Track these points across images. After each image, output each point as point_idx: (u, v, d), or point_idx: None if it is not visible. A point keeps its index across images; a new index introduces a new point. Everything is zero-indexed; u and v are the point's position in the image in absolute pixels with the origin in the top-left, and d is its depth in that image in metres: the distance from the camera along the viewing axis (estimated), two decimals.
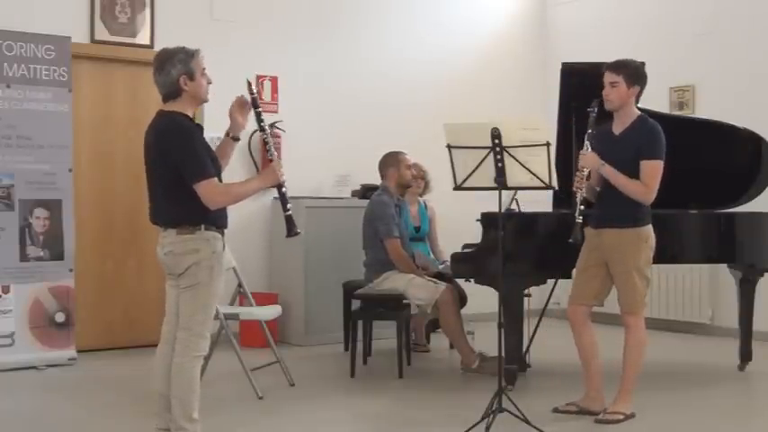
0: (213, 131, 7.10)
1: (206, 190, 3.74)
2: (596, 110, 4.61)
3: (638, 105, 4.77)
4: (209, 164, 3.82)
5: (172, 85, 3.86)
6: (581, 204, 4.52)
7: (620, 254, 4.60)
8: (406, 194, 6.62)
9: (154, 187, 3.90)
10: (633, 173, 4.55)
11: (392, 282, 5.95)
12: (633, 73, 4.60)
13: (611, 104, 4.62)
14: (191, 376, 3.85)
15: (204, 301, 3.87)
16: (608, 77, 4.61)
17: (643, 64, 4.99)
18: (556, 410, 4.79)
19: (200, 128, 3.96)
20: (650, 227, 4.64)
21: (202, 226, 3.82)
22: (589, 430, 4.56)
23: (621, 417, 4.62)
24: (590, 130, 4.61)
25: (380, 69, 7.95)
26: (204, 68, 3.98)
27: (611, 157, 4.57)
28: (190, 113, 3.95)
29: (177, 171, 3.75)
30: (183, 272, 3.83)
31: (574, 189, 4.58)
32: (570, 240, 4.53)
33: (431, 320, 6.87)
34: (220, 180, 3.92)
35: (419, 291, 5.89)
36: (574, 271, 5.20)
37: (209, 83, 4.02)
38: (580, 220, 4.52)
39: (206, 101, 4.04)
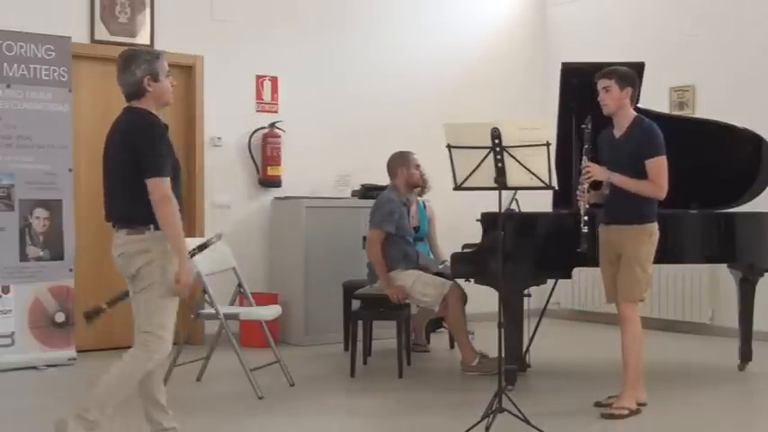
0: (213, 131, 7.20)
1: (157, 186, 3.68)
2: (590, 126, 4.79)
3: (639, 106, 4.84)
4: (169, 166, 3.76)
5: (135, 85, 3.82)
6: (585, 215, 4.69)
7: (624, 248, 4.76)
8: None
9: (112, 183, 3.86)
10: (635, 172, 4.70)
11: (399, 280, 5.94)
12: (623, 75, 4.78)
13: (608, 108, 4.78)
14: (133, 371, 3.78)
15: (160, 302, 3.78)
16: (601, 84, 4.78)
17: (642, 64, 5.07)
18: (598, 404, 4.88)
19: (166, 127, 3.89)
20: (655, 225, 4.78)
21: (152, 226, 3.74)
22: (590, 429, 4.57)
23: (626, 412, 4.69)
24: (586, 145, 4.80)
25: (380, 69, 7.95)
26: (168, 71, 3.93)
27: (613, 159, 4.75)
28: (155, 113, 3.89)
29: (137, 166, 3.70)
30: (135, 273, 3.77)
31: (577, 199, 4.76)
32: (579, 250, 4.69)
33: (431, 320, 6.87)
34: (175, 182, 3.84)
35: (427, 287, 5.89)
36: (574, 271, 5.26)
37: (173, 85, 3.98)
38: (586, 230, 4.68)
39: (168, 103, 3.99)
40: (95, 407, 3.75)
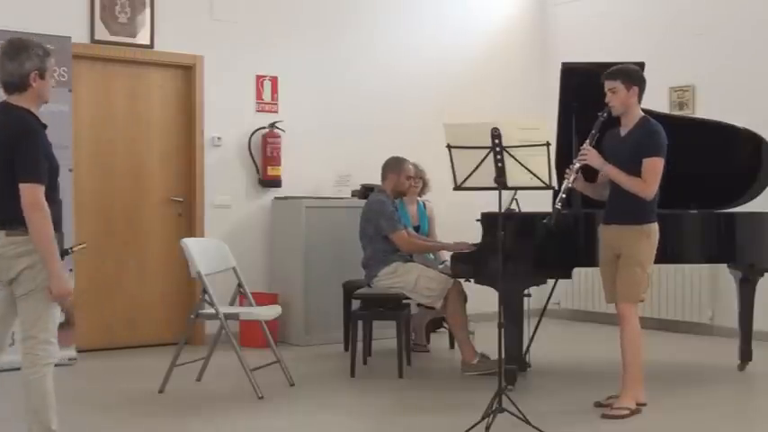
0: (213, 131, 7.19)
1: (31, 192, 3.52)
2: (605, 115, 4.79)
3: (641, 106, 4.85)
4: (45, 170, 3.59)
5: (21, 77, 3.62)
6: (563, 193, 4.71)
7: (622, 248, 4.77)
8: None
9: None
10: (634, 171, 4.69)
11: (402, 275, 5.94)
12: (629, 75, 4.77)
13: (616, 110, 4.79)
14: (44, 387, 3.62)
15: (46, 305, 3.68)
16: (607, 85, 4.78)
17: (642, 64, 5.08)
18: (598, 404, 4.88)
19: (44, 127, 3.75)
20: (654, 225, 4.77)
21: None
22: (590, 430, 4.57)
23: (627, 412, 4.69)
24: (593, 131, 4.80)
25: (380, 69, 7.94)
26: (54, 70, 3.78)
27: (617, 157, 4.75)
28: (34, 110, 3.72)
29: (13, 166, 3.54)
30: (16, 277, 3.61)
31: (565, 175, 4.76)
32: (544, 221, 4.69)
33: (431, 320, 6.87)
34: (55, 183, 3.72)
35: (431, 282, 5.90)
36: (574, 271, 5.25)
37: (53, 87, 3.83)
38: (559, 207, 4.68)
39: (47, 101, 3.81)
40: None
